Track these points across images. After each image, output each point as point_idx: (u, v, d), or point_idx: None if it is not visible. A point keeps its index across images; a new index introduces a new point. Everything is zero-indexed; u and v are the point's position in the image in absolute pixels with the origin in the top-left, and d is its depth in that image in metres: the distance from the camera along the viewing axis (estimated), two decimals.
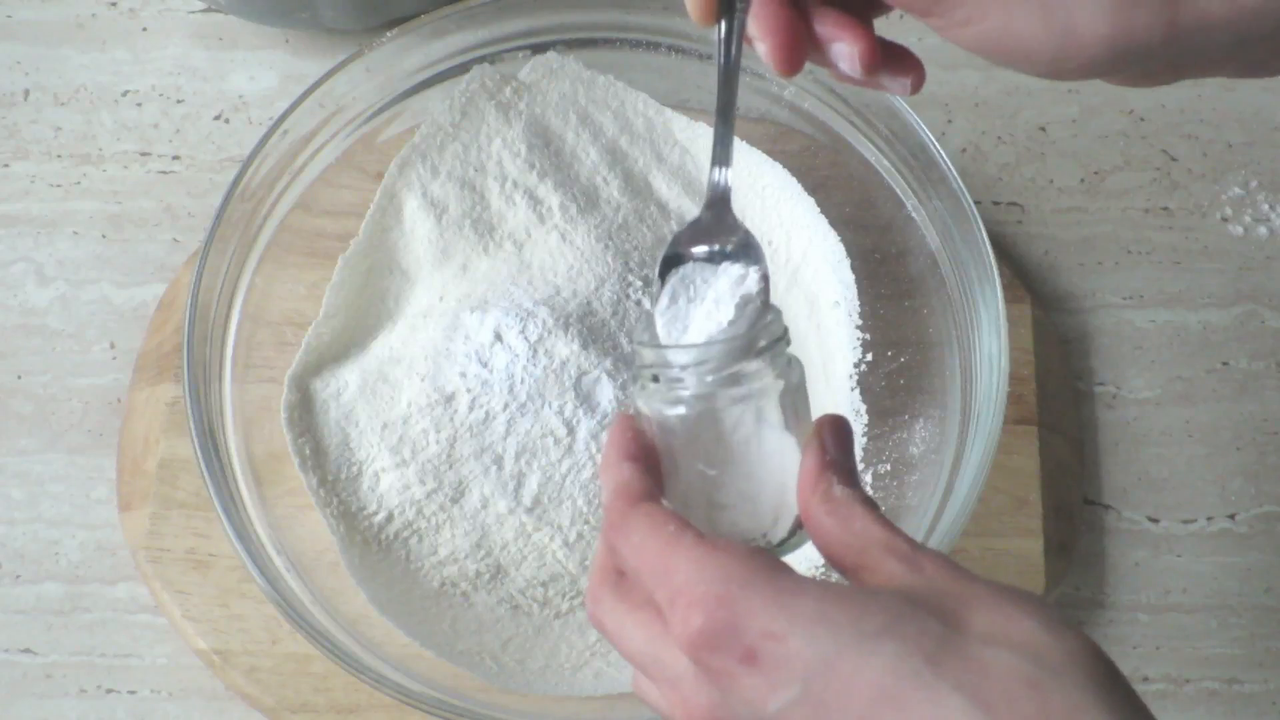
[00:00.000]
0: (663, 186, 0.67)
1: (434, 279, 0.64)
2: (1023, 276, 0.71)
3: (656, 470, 0.42)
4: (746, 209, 0.67)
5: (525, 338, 0.59)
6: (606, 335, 0.60)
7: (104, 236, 0.73)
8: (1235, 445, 0.69)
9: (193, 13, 0.79)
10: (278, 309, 0.63)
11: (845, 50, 0.42)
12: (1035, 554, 0.64)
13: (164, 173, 0.75)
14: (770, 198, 0.66)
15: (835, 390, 0.64)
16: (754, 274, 0.43)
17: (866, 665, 0.34)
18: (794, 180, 0.66)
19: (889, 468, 0.62)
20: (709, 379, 0.41)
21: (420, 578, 0.60)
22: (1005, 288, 0.59)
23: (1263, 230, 0.74)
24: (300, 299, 0.64)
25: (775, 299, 0.66)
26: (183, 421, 0.58)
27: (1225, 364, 0.71)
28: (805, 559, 0.61)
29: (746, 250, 0.44)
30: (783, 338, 0.43)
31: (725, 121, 0.45)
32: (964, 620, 0.35)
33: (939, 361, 0.62)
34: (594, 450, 0.58)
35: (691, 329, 0.42)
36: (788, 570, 0.37)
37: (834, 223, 0.65)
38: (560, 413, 0.58)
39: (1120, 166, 0.75)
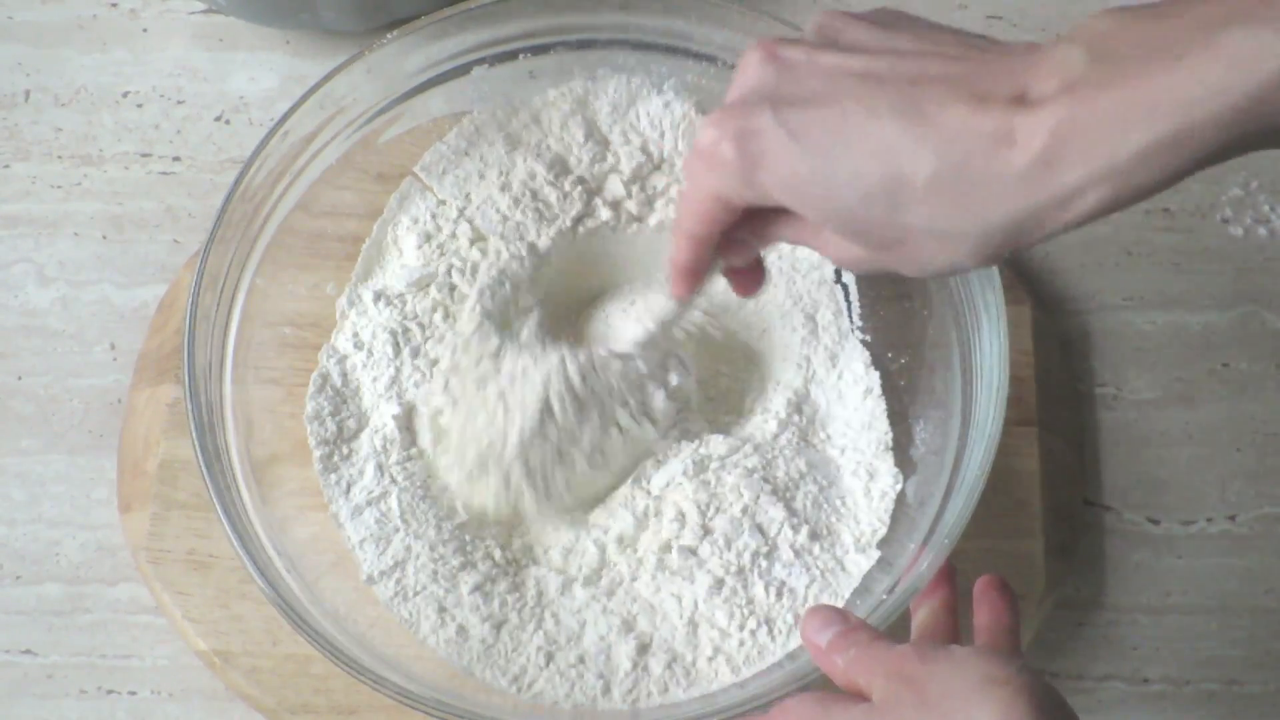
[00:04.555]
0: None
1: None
2: (1023, 278, 0.71)
3: None
4: None
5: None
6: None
7: (104, 237, 0.73)
8: (1235, 446, 0.69)
9: (193, 14, 0.79)
10: (278, 310, 0.63)
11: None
12: (1035, 555, 0.64)
13: (165, 174, 0.75)
14: None
15: None
16: None
17: None
18: None
19: None
20: None
21: None
22: (1005, 289, 0.59)
23: (1263, 231, 0.74)
24: (300, 300, 0.64)
25: (775, 300, 0.67)
26: (183, 422, 0.58)
27: (1225, 365, 0.71)
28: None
29: None
30: None
31: None
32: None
33: (939, 363, 0.62)
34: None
35: None
36: None
37: None
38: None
39: None
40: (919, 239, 0.42)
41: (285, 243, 0.63)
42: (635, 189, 0.66)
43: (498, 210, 0.65)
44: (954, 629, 0.53)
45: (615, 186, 0.66)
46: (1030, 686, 0.42)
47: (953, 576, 0.54)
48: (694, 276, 0.51)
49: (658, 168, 0.67)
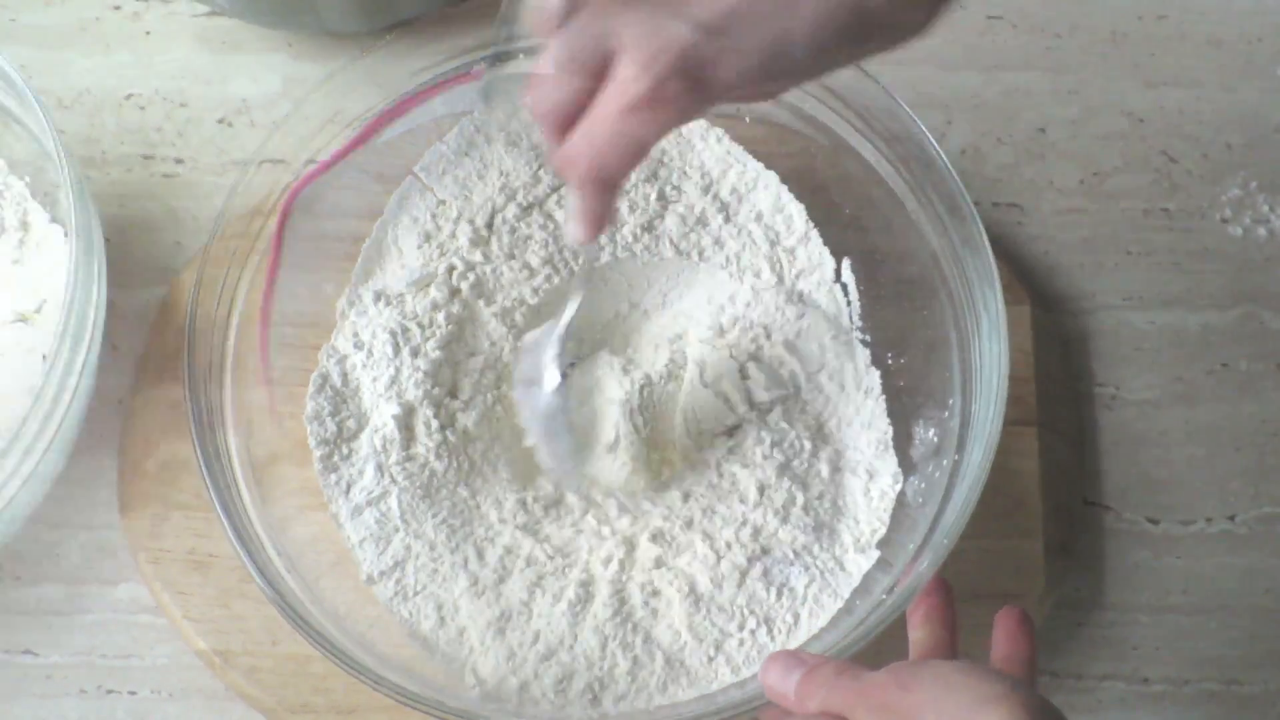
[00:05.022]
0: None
1: None
2: (1022, 277, 0.71)
3: None
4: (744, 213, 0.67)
5: None
6: None
7: (106, 239, 0.73)
8: (1235, 446, 0.69)
9: (196, 16, 0.79)
10: (278, 310, 0.63)
11: None
12: (1035, 555, 0.64)
13: (167, 175, 0.75)
14: (765, 202, 0.67)
15: None
16: None
17: None
18: (784, 185, 0.66)
19: None
20: None
21: None
22: (1005, 289, 0.59)
23: (1262, 231, 0.74)
24: (300, 300, 0.64)
25: (774, 299, 0.66)
26: (183, 423, 0.58)
27: (1225, 365, 0.71)
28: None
29: None
30: None
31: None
32: None
33: (939, 363, 0.62)
34: None
35: None
36: None
37: (834, 224, 0.66)
38: None
39: (1120, 168, 0.75)
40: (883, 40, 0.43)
41: (286, 243, 0.63)
42: (644, 231, 0.66)
43: (505, 220, 0.66)
44: (953, 647, 0.53)
45: (628, 226, 0.66)
46: (1027, 702, 0.42)
47: (948, 589, 0.54)
48: (607, 218, 0.48)
49: (667, 208, 0.67)
